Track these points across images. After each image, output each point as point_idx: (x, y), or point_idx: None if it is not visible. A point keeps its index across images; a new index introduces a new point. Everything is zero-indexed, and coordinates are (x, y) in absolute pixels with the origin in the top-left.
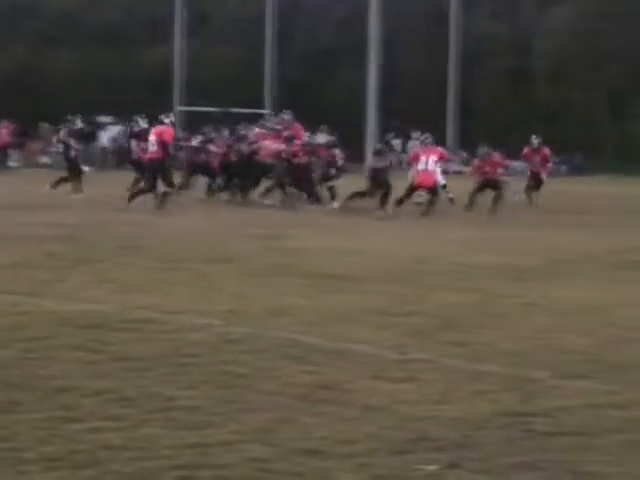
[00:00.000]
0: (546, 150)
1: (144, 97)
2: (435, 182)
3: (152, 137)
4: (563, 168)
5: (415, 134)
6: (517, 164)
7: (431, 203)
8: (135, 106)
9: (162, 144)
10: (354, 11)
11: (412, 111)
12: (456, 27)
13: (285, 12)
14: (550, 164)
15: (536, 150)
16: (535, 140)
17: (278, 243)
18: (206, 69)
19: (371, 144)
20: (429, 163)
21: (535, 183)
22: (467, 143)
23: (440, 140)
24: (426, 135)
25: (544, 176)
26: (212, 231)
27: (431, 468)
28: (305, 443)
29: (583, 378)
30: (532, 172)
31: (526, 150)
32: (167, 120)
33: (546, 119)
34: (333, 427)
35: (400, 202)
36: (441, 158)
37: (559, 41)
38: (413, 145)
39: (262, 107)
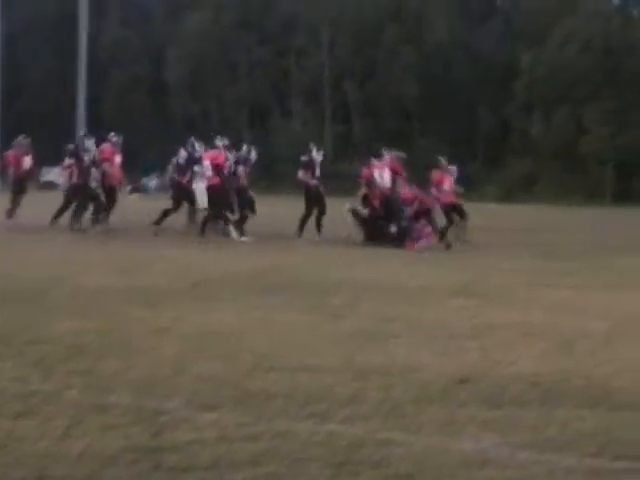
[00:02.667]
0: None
1: None
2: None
3: (206, 162)
4: None
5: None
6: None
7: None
8: None
9: (216, 168)
10: None
11: (39, 115)
12: (85, 33)
13: None
14: None
15: None
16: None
17: None
18: None
19: None
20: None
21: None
22: None
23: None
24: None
25: None
26: None
27: None
28: None
29: (217, 409)
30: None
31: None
32: (220, 143)
33: (183, 132)
34: None
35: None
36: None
37: (193, 49)
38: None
39: None
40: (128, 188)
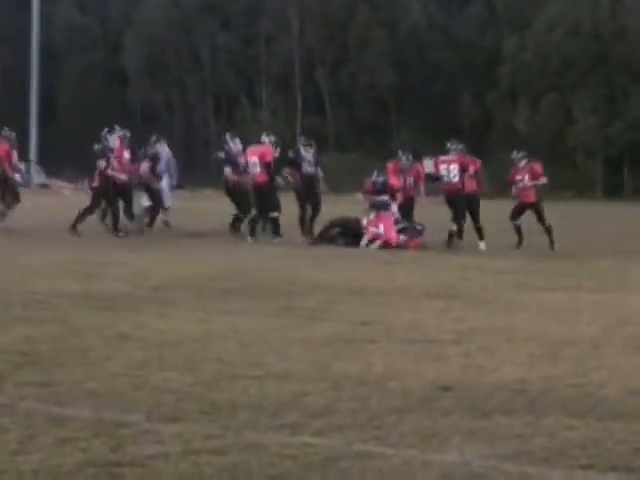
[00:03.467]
0: None
1: None
2: None
3: (252, 158)
4: None
5: None
6: None
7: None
8: None
9: (265, 165)
10: None
11: None
12: (38, 18)
13: None
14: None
15: None
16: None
17: None
18: None
19: None
20: None
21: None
22: (52, 152)
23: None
24: None
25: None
26: None
27: None
28: None
29: (181, 421)
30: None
31: None
32: (267, 139)
33: (144, 121)
34: None
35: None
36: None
37: (153, 35)
38: None
39: None
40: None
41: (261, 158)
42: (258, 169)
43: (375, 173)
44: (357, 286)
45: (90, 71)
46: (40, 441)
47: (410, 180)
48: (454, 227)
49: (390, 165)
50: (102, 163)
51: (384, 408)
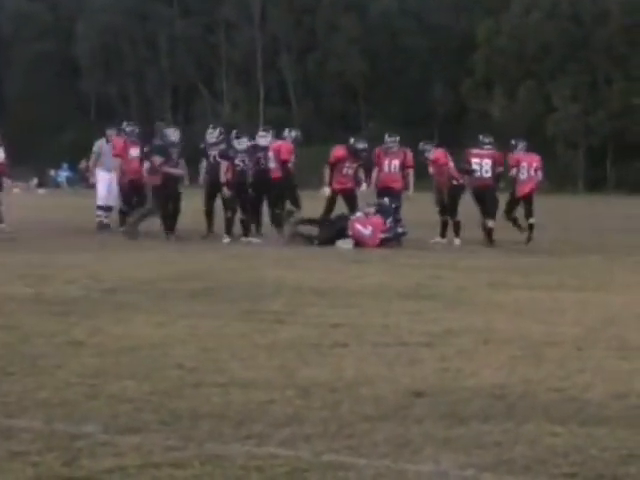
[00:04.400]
0: None
1: None
2: None
3: (271, 153)
4: None
5: None
6: None
7: None
8: None
9: (281, 162)
10: None
11: None
12: None
13: None
14: None
15: None
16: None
17: None
18: None
19: None
20: None
21: None
22: None
23: None
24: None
25: None
26: None
27: None
28: None
29: (139, 432)
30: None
31: None
32: (288, 135)
33: (99, 114)
34: None
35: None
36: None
37: (106, 23)
38: None
39: None
40: (34, 182)
41: (277, 154)
42: (274, 164)
43: (352, 139)
44: (325, 287)
45: (40, 61)
46: None
47: (395, 165)
48: (490, 223)
49: (376, 150)
50: (157, 159)
51: (355, 416)
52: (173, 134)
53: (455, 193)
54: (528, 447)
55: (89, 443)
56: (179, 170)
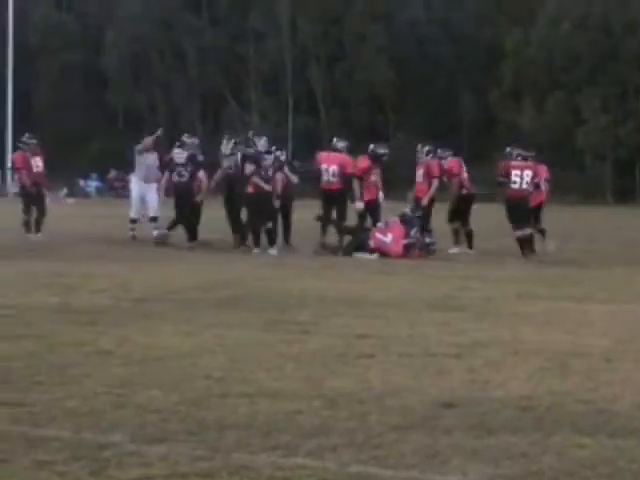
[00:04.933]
0: None
1: None
2: None
3: (333, 167)
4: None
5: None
6: None
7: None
8: None
9: (344, 175)
10: None
11: None
12: (12, 15)
13: None
14: None
15: None
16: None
17: None
18: None
19: None
20: None
21: None
22: None
23: None
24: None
25: None
26: None
27: None
28: None
29: (166, 442)
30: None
31: None
32: (340, 145)
33: (127, 124)
34: None
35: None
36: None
37: (135, 33)
38: None
39: None
40: (64, 192)
41: (342, 168)
42: (336, 178)
43: (371, 146)
44: (351, 297)
45: (68, 72)
46: (15, 465)
47: (419, 174)
48: (527, 231)
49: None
50: (251, 168)
51: (382, 427)
52: (263, 145)
53: (465, 202)
54: (556, 459)
55: (116, 453)
56: (267, 186)
